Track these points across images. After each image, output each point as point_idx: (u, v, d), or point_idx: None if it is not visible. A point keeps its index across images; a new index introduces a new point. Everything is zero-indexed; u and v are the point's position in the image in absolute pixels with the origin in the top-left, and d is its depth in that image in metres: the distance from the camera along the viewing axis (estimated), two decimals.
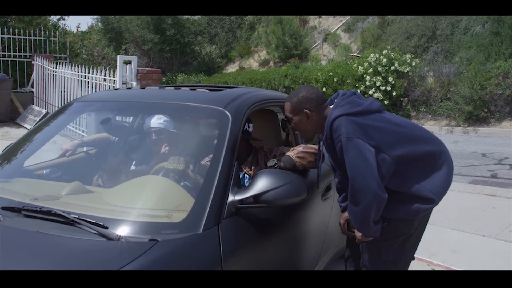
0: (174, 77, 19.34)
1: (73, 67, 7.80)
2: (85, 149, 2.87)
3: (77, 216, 1.66)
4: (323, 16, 22.55)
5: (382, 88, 12.95)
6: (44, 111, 9.81)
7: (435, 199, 2.15)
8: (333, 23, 21.89)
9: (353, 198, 2.07)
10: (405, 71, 13.16)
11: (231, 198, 1.81)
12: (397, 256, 2.23)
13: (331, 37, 20.48)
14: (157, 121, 2.48)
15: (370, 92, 13.05)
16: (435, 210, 4.29)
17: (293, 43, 19.82)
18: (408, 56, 13.77)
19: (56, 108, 8.24)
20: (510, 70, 12.03)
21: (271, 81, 16.09)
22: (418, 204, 2.13)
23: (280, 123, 3.05)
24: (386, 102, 12.98)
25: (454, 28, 16.95)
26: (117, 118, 2.70)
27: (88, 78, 6.99)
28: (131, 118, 2.80)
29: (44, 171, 2.59)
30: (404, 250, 2.24)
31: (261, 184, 1.82)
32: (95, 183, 2.31)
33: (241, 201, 1.81)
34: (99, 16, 24.31)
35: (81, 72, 7.24)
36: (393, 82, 12.93)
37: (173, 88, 2.66)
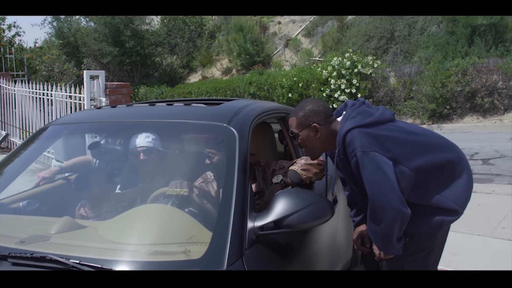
0: (136, 90, 18.85)
1: (32, 84, 7.35)
2: (65, 175, 2.58)
3: (78, 261, 1.42)
4: (283, 22, 22.68)
5: (347, 90, 13.06)
6: (3, 132, 9.25)
7: (458, 209, 2.04)
8: (293, 28, 22.03)
9: (374, 216, 1.93)
10: (368, 72, 13.33)
11: (250, 224, 1.63)
12: None
13: (292, 43, 20.60)
14: (145, 139, 2.22)
15: (336, 95, 13.13)
16: None
17: (255, 50, 19.79)
18: (370, 58, 13.95)
19: (16, 129, 7.75)
20: (468, 67, 12.39)
21: (236, 89, 15.94)
22: (441, 216, 2.01)
23: (278, 135, 2.89)
24: None
25: (411, 29, 17.39)
26: (104, 141, 2.44)
27: (51, 96, 6.59)
28: (121, 140, 2.53)
29: (21, 204, 2.30)
30: (427, 265, 2.11)
31: (282, 207, 1.64)
32: (77, 214, 2.06)
33: (261, 227, 1.63)
34: (53, 31, 23.49)
35: (43, 90, 6.83)
36: (357, 84, 13.07)
37: (164, 104, 2.44)
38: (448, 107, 12.49)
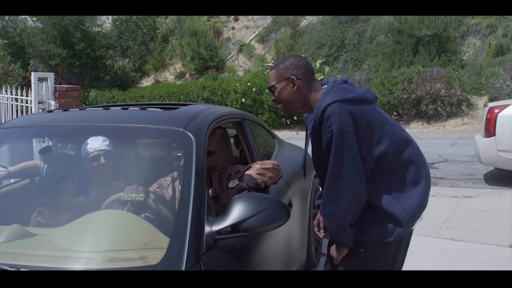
0: (86, 93, 18.29)
1: None
2: (12, 181, 2.47)
3: (28, 270, 1.38)
4: (237, 27, 22.79)
5: None
6: None
7: (404, 220, 1.94)
8: (247, 34, 22.18)
9: (333, 194, 1.87)
10: (319, 78, 13.65)
11: (207, 229, 1.63)
12: None
13: (246, 48, 20.72)
14: (102, 143, 2.15)
15: None
16: None
17: (208, 55, 19.75)
18: (318, 62, 14.25)
19: None
20: (414, 76, 12.97)
21: (189, 93, 15.85)
22: (392, 225, 1.95)
23: (233, 140, 2.91)
24: None
25: (361, 38, 17.98)
26: (56, 146, 2.36)
27: None
28: (74, 145, 2.45)
29: None
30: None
31: (239, 211, 1.66)
32: (35, 221, 1.98)
33: (219, 232, 1.64)
34: None
35: None
36: None
37: (119, 108, 2.39)
38: (395, 113, 13.00)
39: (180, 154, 1.91)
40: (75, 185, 2.21)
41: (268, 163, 2.42)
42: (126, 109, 2.35)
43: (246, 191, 2.27)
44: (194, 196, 1.68)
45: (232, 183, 2.24)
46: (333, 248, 2.05)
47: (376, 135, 1.90)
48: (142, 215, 1.83)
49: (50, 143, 2.34)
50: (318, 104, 1.93)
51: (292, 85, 2.01)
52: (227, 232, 1.65)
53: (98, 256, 1.53)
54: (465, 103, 12.84)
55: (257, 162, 2.48)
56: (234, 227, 1.64)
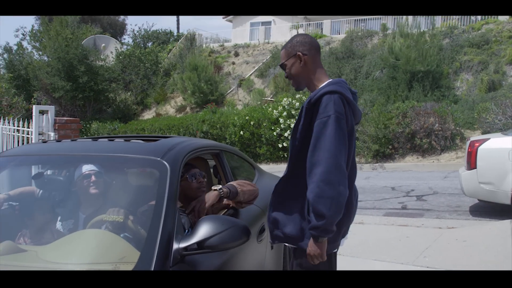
0: (88, 125, 18.68)
1: None
2: (8, 204, 2.69)
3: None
4: (237, 62, 23.38)
5: None
6: None
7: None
8: (247, 69, 22.76)
9: (333, 177, 1.92)
10: None
11: (175, 246, 1.86)
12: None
13: (245, 83, 21.24)
14: (92, 166, 2.36)
15: (286, 134, 13.63)
16: (356, 243, 4.55)
17: (209, 89, 20.23)
18: None
19: None
20: (408, 110, 13.29)
21: (189, 126, 16.20)
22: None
23: (212, 170, 3.15)
24: None
25: (357, 73, 18.47)
26: (49, 172, 2.61)
27: None
28: (64, 172, 2.71)
29: None
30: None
31: (204, 230, 1.88)
32: (17, 242, 2.19)
33: (185, 248, 1.86)
34: (3, 63, 23.07)
35: None
36: None
37: (106, 139, 2.65)
38: (390, 147, 13.23)
39: (157, 181, 2.14)
40: (63, 209, 2.44)
41: (246, 181, 2.67)
42: (112, 140, 2.61)
43: (227, 195, 2.50)
44: (164, 216, 1.91)
45: (215, 186, 2.44)
46: (313, 246, 2.01)
47: (351, 143, 2.07)
48: (121, 235, 2.05)
49: (42, 169, 2.59)
50: (322, 86, 2.12)
51: (299, 61, 2.20)
52: (193, 249, 1.87)
53: (79, 268, 1.75)
54: (459, 137, 13.09)
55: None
56: (199, 244, 1.86)
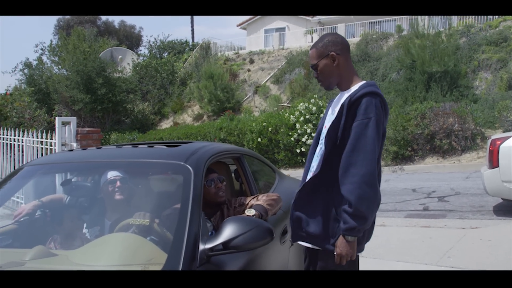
0: (107, 136, 18.97)
1: (3, 130, 7.50)
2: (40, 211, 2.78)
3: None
4: (252, 69, 23.49)
5: (314, 134, 13.52)
6: None
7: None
8: (262, 75, 22.84)
9: (372, 179, 1.97)
10: None
11: (201, 247, 1.89)
12: None
13: (261, 89, 21.31)
14: (117, 172, 2.41)
15: (304, 139, 13.62)
16: (378, 245, 4.54)
17: (225, 97, 20.35)
18: None
19: None
20: (426, 111, 13.16)
21: (207, 134, 16.32)
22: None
23: (233, 174, 3.19)
24: None
25: (373, 76, 18.37)
26: (77, 179, 2.69)
27: (22, 142, 6.75)
28: (90, 178, 2.79)
29: None
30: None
31: (229, 231, 1.92)
32: (47, 247, 2.26)
33: (211, 249, 1.90)
34: (24, 78, 23.65)
35: (14, 136, 6.99)
36: None
37: (130, 146, 2.72)
38: (409, 149, 13.10)
39: (181, 185, 2.19)
40: (90, 215, 2.51)
41: (274, 195, 2.68)
42: (136, 146, 2.68)
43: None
44: (190, 219, 1.95)
45: (249, 212, 2.47)
46: (345, 245, 2.02)
47: (381, 145, 2.11)
48: (148, 238, 2.10)
49: (70, 176, 2.67)
50: (360, 86, 2.12)
51: (332, 61, 2.18)
52: (218, 249, 1.90)
53: (109, 269, 1.80)
54: (479, 137, 12.89)
55: (263, 194, 2.72)
56: (225, 244, 1.89)
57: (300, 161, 14.14)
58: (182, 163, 2.25)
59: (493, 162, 5.91)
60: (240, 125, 15.62)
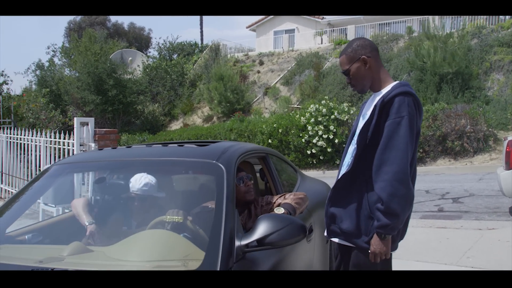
0: None
1: (19, 131, 7.60)
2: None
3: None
4: (262, 71, 23.52)
5: (325, 136, 13.54)
6: None
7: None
8: (272, 77, 22.87)
9: (406, 177, 1.99)
10: (345, 119, 13.90)
11: (237, 243, 1.93)
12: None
13: (271, 91, 21.33)
14: (143, 181, 2.39)
15: (314, 141, 13.61)
16: None
17: (235, 98, 20.40)
18: (345, 104, 14.62)
19: (11, 177, 7.89)
20: (438, 112, 13.10)
21: (217, 135, 16.37)
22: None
23: (258, 173, 3.22)
24: (329, 149, 13.57)
25: None
26: (110, 177, 2.73)
27: (39, 142, 6.83)
28: (124, 176, 2.82)
29: (26, 236, 2.54)
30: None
31: (263, 228, 1.95)
32: (85, 242, 2.30)
33: (246, 245, 1.93)
34: (36, 79, 23.89)
35: (31, 136, 7.08)
36: (334, 130, 13.57)
37: (160, 145, 2.76)
38: (421, 150, 13.05)
39: (214, 183, 2.22)
40: (124, 210, 2.55)
41: (301, 194, 2.71)
42: (166, 145, 2.72)
43: None
44: (225, 217, 1.98)
45: (278, 210, 2.50)
46: (379, 243, 2.06)
47: (416, 145, 2.13)
48: (181, 234, 2.13)
49: (103, 175, 2.72)
50: (393, 86, 2.14)
51: (364, 64, 2.21)
52: (253, 246, 1.93)
53: (147, 264, 1.83)
54: (492, 138, 12.82)
55: (290, 193, 2.75)
56: (259, 241, 1.92)
57: (310, 162, 14.13)
58: (214, 161, 2.28)
59: (510, 163, 5.90)
60: (250, 127, 15.65)
